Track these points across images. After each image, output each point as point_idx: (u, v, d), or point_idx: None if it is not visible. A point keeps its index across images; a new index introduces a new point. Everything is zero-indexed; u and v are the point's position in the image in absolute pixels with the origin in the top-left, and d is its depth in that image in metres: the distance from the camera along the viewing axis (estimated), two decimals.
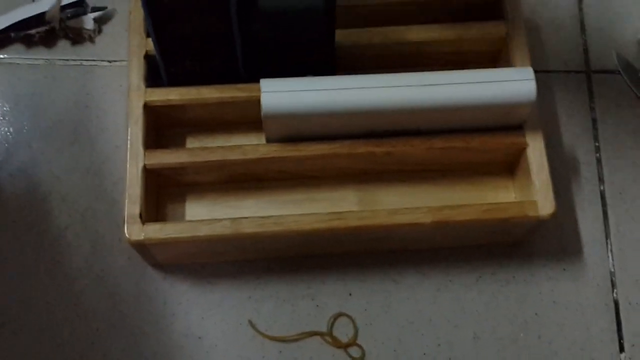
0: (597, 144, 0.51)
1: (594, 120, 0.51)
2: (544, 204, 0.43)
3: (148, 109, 0.45)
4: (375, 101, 0.42)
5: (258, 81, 0.43)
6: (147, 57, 0.46)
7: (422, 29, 0.47)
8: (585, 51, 0.54)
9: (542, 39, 0.54)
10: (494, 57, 0.49)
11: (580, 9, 0.55)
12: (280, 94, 0.42)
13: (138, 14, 0.47)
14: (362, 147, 0.44)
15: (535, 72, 0.46)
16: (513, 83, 0.42)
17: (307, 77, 0.43)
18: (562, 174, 0.49)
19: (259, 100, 0.42)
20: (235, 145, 0.44)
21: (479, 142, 0.44)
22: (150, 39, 0.46)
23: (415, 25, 0.47)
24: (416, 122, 0.43)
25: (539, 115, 0.45)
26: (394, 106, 0.42)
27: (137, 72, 0.46)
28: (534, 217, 0.42)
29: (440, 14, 0.48)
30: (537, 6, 0.54)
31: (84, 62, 0.53)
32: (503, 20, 0.47)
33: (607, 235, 0.48)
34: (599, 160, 0.50)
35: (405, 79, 0.42)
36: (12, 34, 0.52)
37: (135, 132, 0.44)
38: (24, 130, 0.51)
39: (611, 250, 0.47)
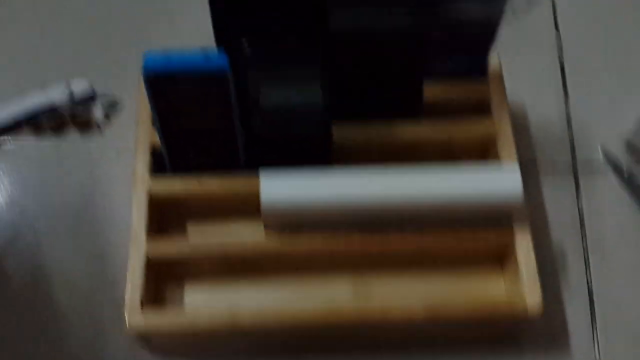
0: (584, 237, 0.52)
1: (581, 215, 0.53)
2: (532, 299, 0.44)
3: (152, 197, 0.47)
4: (369, 197, 0.44)
5: (258, 172, 0.45)
6: (153, 148, 0.49)
7: (415, 126, 0.49)
8: (572, 147, 0.56)
9: (530, 134, 0.56)
10: (483, 151, 0.51)
11: (567, 106, 0.57)
12: (278, 188, 0.44)
13: (145, 108, 0.50)
14: (357, 240, 0.46)
15: (524, 165, 0.48)
16: (500, 185, 0.44)
17: (305, 170, 0.45)
18: (551, 268, 0.51)
19: (258, 191, 0.44)
20: (236, 241, 0.46)
21: (469, 237, 0.46)
22: (156, 131, 0.48)
23: (409, 122, 0.49)
24: (408, 216, 0.45)
25: (526, 212, 0.47)
26: (386, 201, 0.44)
27: (142, 161, 0.48)
28: (522, 312, 0.44)
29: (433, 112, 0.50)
30: (527, 102, 0.57)
31: (92, 150, 0.55)
32: (491, 118, 0.50)
33: (594, 330, 0.49)
34: (585, 253, 0.52)
35: (397, 176, 0.44)
36: (23, 121, 0.55)
37: (138, 220, 0.46)
38: (31, 214, 0.53)
39: (598, 345, 0.49)
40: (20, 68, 0.58)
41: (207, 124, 0.45)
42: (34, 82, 0.56)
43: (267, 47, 0.42)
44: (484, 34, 0.48)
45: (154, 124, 0.49)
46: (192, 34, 0.57)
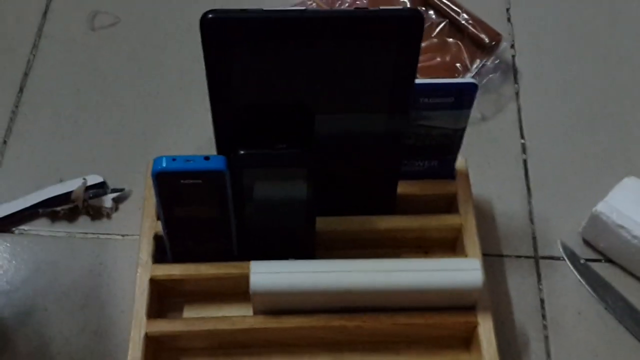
0: (544, 322, 0.58)
1: (542, 301, 0.59)
2: None
3: (153, 282, 0.53)
4: (348, 284, 0.50)
5: (249, 260, 0.51)
6: (156, 237, 0.55)
7: (391, 219, 0.55)
8: (534, 239, 0.62)
9: (496, 227, 0.62)
10: (452, 244, 0.57)
11: (529, 203, 0.64)
12: (266, 275, 0.50)
13: (151, 200, 0.56)
14: (336, 321, 0.51)
15: (489, 256, 0.54)
16: (462, 272, 0.50)
17: (291, 260, 0.51)
18: (514, 349, 0.56)
19: (248, 276, 0.50)
20: (225, 317, 0.51)
21: (437, 320, 0.51)
22: (159, 222, 0.54)
23: (386, 216, 0.56)
24: (382, 301, 0.51)
25: (488, 297, 0.52)
26: (363, 288, 0.50)
27: (146, 249, 0.54)
28: None
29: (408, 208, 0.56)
30: (493, 198, 0.63)
31: (100, 236, 0.61)
32: (458, 214, 0.56)
33: None
34: (546, 337, 0.57)
35: (372, 265, 0.50)
36: (40, 210, 0.61)
37: (140, 302, 0.52)
38: (42, 294, 0.58)
39: None
40: (42, 168, 0.64)
41: (205, 217, 0.51)
42: (53, 180, 0.63)
43: (260, 152, 0.48)
44: (451, 140, 0.54)
45: (158, 216, 0.55)
46: (196, 139, 0.65)
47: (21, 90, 0.69)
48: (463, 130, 0.54)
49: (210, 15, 0.42)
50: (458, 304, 0.51)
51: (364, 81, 0.48)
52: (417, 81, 0.48)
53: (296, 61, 0.46)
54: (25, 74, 0.70)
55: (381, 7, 0.43)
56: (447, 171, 0.57)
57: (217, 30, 0.43)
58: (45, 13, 0.74)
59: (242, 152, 0.48)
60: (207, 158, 0.48)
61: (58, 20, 0.73)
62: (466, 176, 0.58)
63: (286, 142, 0.48)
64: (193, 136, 0.66)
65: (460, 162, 0.58)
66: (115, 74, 0.70)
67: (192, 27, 0.71)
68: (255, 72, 0.46)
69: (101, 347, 0.55)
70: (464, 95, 0.50)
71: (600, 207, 0.58)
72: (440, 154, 0.56)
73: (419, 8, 0.69)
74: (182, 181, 0.48)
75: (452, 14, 0.70)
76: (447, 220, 0.56)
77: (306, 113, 0.49)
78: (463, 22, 0.70)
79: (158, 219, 0.55)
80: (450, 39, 0.70)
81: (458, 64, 0.68)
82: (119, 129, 0.67)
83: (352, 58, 0.47)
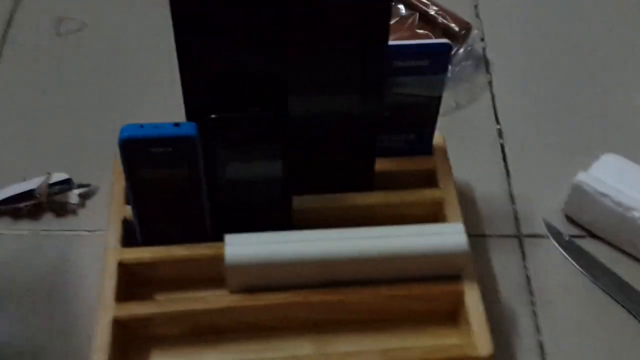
0: (532, 298, 0.56)
1: (528, 278, 0.57)
2: (483, 345, 0.47)
3: (122, 266, 0.50)
4: (327, 252, 0.47)
5: (223, 240, 0.49)
6: (125, 222, 0.52)
7: (368, 196, 0.54)
8: (516, 219, 0.60)
9: (477, 209, 0.61)
10: (434, 218, 0.55)
11: (509, 184, 0.63)
12: (241, 247, 0.47)
13: (119, 186, 0.54)
14: (316, 296, 0.49)
15: (472, 236, 0.52)
16: (446, 236, 0.48)
17: (266, 233, 0.49)
18: (502, 327, 0.54)
19: (223, 256, 0.47)
20: (200, 296, 0.48)
21: (421, 290, 0.49)
22: (128, 207, 0.52)
23: (364, 193, 0.54)
24: (364, 272, 0.49)
25: (473, 266, 0.50)
26: (343, 257, 0.47)
27: (114, 234, 0.51)
28: (474, 358, 0.46)
29: (386, 186, 0.55)
30: (472, 181, 0.62)
31: (66, 232, 0.58)
32: (438, 188, 0.55)
33: None
34: (534, 313, 0.55)
35: (352, 234, 0.48)
36: (2, 208, 0.58)
37: (108, 287, 0.49)
38: (3, 293, 0.54)
39: None
40: (5, 169, 0.61)
41: (176, 190, 0.48)
42: (16, 177, 0.60)
43: (233, 123, 0.47)
44: (428, 110, 0.53)
45: (126, 201, 0.53)
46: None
47: None
48: (439, 99, 0.53)
49: None
50: (443, 272, 0.49)
51: (335, 59, 0.48)
52: (390, 43, 0.47)
53: (268, 23, 0.45)
54: None
55: None
56: (425, 146, 0.56)
57: None
58: (9, 21, 0.73)
59: (212, 116, 0.46)
60: (176, 125, 0.46)
61: (23, 26, 0.72)
62: (444, 151, 0.57)
63: (260, 116, 0.47)
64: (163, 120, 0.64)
65: (437, 138, 0.57)
66: (81, 76, 0.69)
67: (159, 30, 0.71)
68: (224, 35, 0.45)
69: (66, 345, 0.52)
70: (439, 57, 0.49)
71: (582, 177, 0.57)
72: (417, 126, 0.54)
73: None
74: (151, 149, 0.46)
75: (422, 6, 0.71)
76: (427, 194, 0.54)
77: (278, 81, 0.48)
78: (433, 13, 0.70)
79: (127, 204, 0.53)
80: (421, 31, 0.70)
81: None
82: (85, 129, 0.65)
83: (323, 28, 0.46)
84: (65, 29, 0.72)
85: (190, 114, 0.48)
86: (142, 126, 0.46)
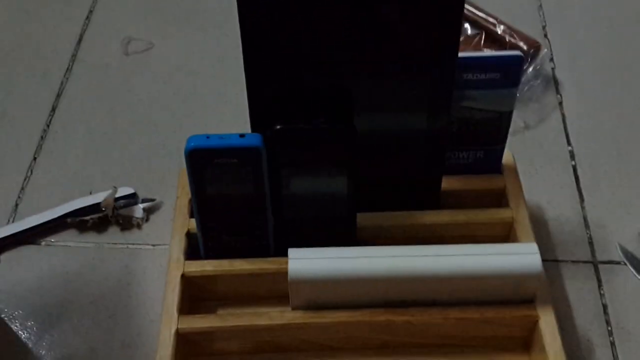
0: (609, 328, 0.53)
1: (605, 306, 0.54)
2: None
3: (185, 279, 0.49)
4: (394, 269, 0.46)
5: (286, 256, 0.48)
6: (188, 235, 0.52)
7: (435, 214, 0.52)
8: (591, 244, 0.58)
9: (549, 232, 0.58)
10: (503, 240, 0.53)
11: (583, 208, 0.60)
12: (306, 261, 0.46)
13: (184, 199, 0.53)
14: (382, 316, 0.47)
15: (545, 261, 0.50)
16: (519, 256, 0.46)
17: (331, 248, 0.47)
18: (578, 356, 0.51)
19: (286, 273, 0.46)
20: (262, 311, 0.47)
21: (493, 313, 0.47)
22: (192, 220, 0.52)
23: (431, 211, 0.52)
24: (432, 292, 0.47)
25: (548, 290, 0.48)
26: (411, 274, 0.46)
27: (178, 247, 0.51)
28: None
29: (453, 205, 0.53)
30: (542, 204, 0.60)
31: (130, 246, 0.58)
32: (508, 208, 0.52)
33: None
34: (612, 343, 0.52)
35: (421, 251, 0.46)
36: (69, 220, 0.59)
37: (171, 299, 0.48)
38: (67, 305, 0.55)
39: None
40: (72, 183, 0.62)
41: (240, 203, 0.48)
42: (83, 191, 0.61)
43: (299, 134, 0.46)
44: (497, 126, 0.52)
45: (190, 214, 0.53)
46: None
47: (53, 109, 0.68)
48: (510, 114, 0.51)
49: None
50: (515, 295, 0.47)
51: (403, 76, 0.47)
52: (460, 54, 0.46)
53: (337, 37, 0.45)
54: (58, 95, 0.69)
55: None
56: (494, 164, 0.54)
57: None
58: (80, 40, 0.74)
59: (278, 126, 0.45)
60: (242, 135, 0.46)
61: (92, 45, 0.74)
62: (514, 170, 0.55)
63: (324, 119, 0.46)
64: None
65: (507, 156, 0.55)
66: (149, 95, 0.70)
67: (224, 48, 0.72)
68: (292, 45, 0.45)
69: (129, 358, 0.51)
70: (510, 70, 0.48)
71: None
72: (486, 143, 0.53)
73: None
74: (216, 160, 0.46)
75: (489, 25, 0.69)
76: (497, 213, 0.52)
77: (344, 93, 0.47)
78: (500, 32, 0.68)
79: (191, 217, 0.52)
80: (487, 49, 0.68)
81: None
82: (152, 146, 0.65)
83: (392, 45, 0.45)
84: (133, 48, 0.74)
85: (255, 125, 0.48)
86: (208, 137, 0.46)
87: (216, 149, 0.45)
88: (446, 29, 0.45)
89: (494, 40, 0.69)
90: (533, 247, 0.46)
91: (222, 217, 0.49)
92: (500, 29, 0.69)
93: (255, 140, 0.45)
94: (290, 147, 0.46)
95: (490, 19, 0.70)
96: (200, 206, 0.48)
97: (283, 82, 0.47)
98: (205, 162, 0.46)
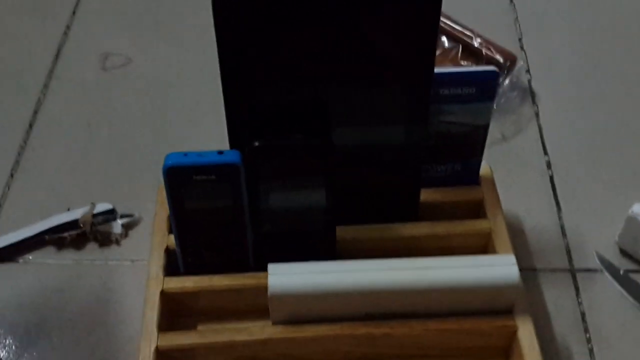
0: (588, 335, 0.53)
1: (583, 314, 0.54)
2: None
3: (164, 295, 0.49)
4: (373, 282, 0.46)
5: (266, 271, 0.48)
6: (167, 251, 0.52)
7: (413, 226, 0.52)
8: (568, 252, 0.58)
9: (527, 241, 0.59)
10: (482, 251, 0.53)
11: (560, 217, 0.61)
12: (285, 276, 0.46)
13: (162, 215, 0.53)
14: (362, 329, 0.47)
15: (522, 270, 0.50)
16: (497, 267, 0.46)
17: (311, 262, 0.47)
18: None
19: (266, 288, 0.46)
20: (242, 327, 0.47)
21: (471, 324, 0.47)
22: (171, 236, 0.51)
23: (409, 223, 0.52)
24: (412, 304, 0.47)
25: (526, 300, 0.48)
26: (390, 288, 0.46)
27: (156, 263, 0.51)
28: None
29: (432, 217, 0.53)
30: (520, 213, 0.60)
31: (109, 262, 0.58)
32: (486, 219, 0.53)
33: None
34: (591, 350, 0.52)
35: (399, 264, 0.47)
36: (47, 237, 0.58)
37: (150, 316, 0.48)
38: (47, 323, 0.54)
39: None
40: (49, 199, 0.62)
41: (219, 219, 0.48)
42: (60, 207, 0.60)
43: (277, 150, 0.46)
44: (474, 139, 0.52)
45: (169, 230, 0.52)
46: None
47: (30, 126, 0.68)
48: (486, 128, 0.52)
49: None
50: (494, 306, 0.47)
51: (380, 89, 0.47)
52: (436, 70, 0.47)
53: (312, 48, 0.45)
54: (35, 112, 0.69)
55: None
56: (471, 176, 0.55)
57: (230, 9, 0.42)
58: (57, 55, 0.74)
59: (256, 143, 0.45)
60: (220, 152, 0.46)
61: (70, 61, 0.74)
62: (492, 181, 0.55)
63: (304, 144, 0.46)
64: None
65: (484, 168, 0.55)
66: (126, 109, 0.69)
67: (203, 64, 0.72)
68: (269, 60, 0.45)
69: None
70: (486, 85, 0.48)
71: (637, 209, 0.54)
72: (463, 156, 0.53)
73: None
74: (194, 177, 0.46)
75: (465, 38, 0.70)
76: (475, 225, 0.53)
77: (322, 107, 0.47)
78: (476, 45, 0.69)
79: (170, 233, 0.52)
80: (465, 62, 0.69)
81: None
82: (129, 160, 0.65)
83: (367, 58, 0.46)
84: (111, 63, 0.73)
85: (234, 141, 0.48)
86: (186, 154, 0.46)
87: (194, 167, 0.45)
88: (422, 43, 0.45)
89: (471, 53, 0.70)
90: (510, 258, 0.47)
91: (201, 233, 0.49)
92: (476, 42, 0.70)
93: (234, 156, 0.45)
94: (268, 163, 0.46)
95: (467, 32, 0.70)
96: (178, 222, 0.48)
97: (260, 97, 0.47)
98: (183, 179, 0.46)
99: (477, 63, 0.69)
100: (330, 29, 0.45)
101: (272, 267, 0.47)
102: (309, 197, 0.48)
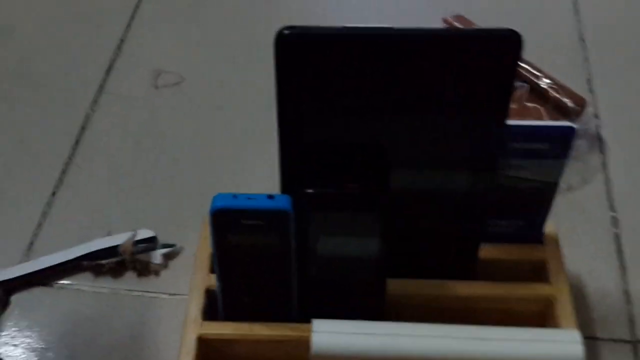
0: None
1: None
2: None
3: (201, 341, 0.47)
4: (424, 350, 0.43)
5: (309, 322, 0.45)
6: (208, 292, 0.49)
7: (470, 285, 0.49)
8: (631, 321, 0.54)
9: (588, 306, 0.55)
10: (541, 317, 0.50)
11: (624, 281, 0.56)
12: (330, 335, 0.43)
13: (204, 252, 0.51)
14: None
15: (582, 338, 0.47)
16: (559, 344, 0.43)
17: (357, 322, 0.44)
18: None
19: (307, 341, 0.44)
20: None
21: None
22: (212, 276, 0.49)
23: (465, 282, 0.49)
24: None
25: None
26: (442, 357, 0.43)
27: (196, 304, 0.48)
28: None
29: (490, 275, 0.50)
30: (583, 274, 0.57)
31: (146, 294, 0.56)
32: (549, 284, 0.49)
33: None
34: None
35: (453, 332, 0.43)
36: (85, 263, 0.57)
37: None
38: (78, 355, 0.52)
39: None
40: (90, 221, 0.60)
41: (264, 267, 0.45)
42: (101, 234, 0.58)
43: (329, 199, 0.43)
44: (542, 197, 0.48)
45: (211, 270, 0.50)
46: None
47: (77, 142, 0.66)
48: (556, 185, 0.48)
49: (286, 32, 0.39)
50: None
51: (448, 131, 0.44)
52: (509, 122, 0.43)
53: (377, 93, 0.42)
54: (83, 128, 0.68)
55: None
56: (535, 234, 0.51)
57: (293, 49, 0.39)
58: (108, 70, 0.73)
59: (309, 190, 0.43)
60: (270, 197, 0.43)
61: (121, 77, 0.72)
62: (556, 241, 0.51)
63: (358, 183, 0.43)
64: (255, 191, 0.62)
65: (549, 226, 0.51)
66: (176, 131, 0.68)
67: (257, 89, 0.70)
68: (330, 101, 0.42)
69: None
70: (561, 141, 0.45)
71: None
72: (528, 213, 0.50)
73: None
74: (242, 221, 0.43)
75: (532, 78, 0.66)
76: (537, 289, 0.49)
77: (381, 153, 0.44)
78: (544, 86, 0.65)
79: (211, 272, 0.50)
80: (530, 104, 0.65)
81: None
82: (175, 186, 0.63)
83: (437, 98, 0.43)
84: (163, 81, 0.72)
85: (285, 186, 0.45)
86: (235, 196, 0.43)
87: (243, 211, 0.43)
88: (498, 88, 0.42)
89: (537, 95, 0.66)
90: (575, 335, 0.43)
91: (244, 278, 0.46)
92: (543, 83, 0.66)
93: (284, 203, 0.43)
94: (320, 211, 0.43)
95: (534, 71, 0.67)
96: (222, 266, 0.46)
97: (317, 139, 0.44)
98: (230, 222, 0.43)
99: (543, 105, 0.65)
100: (397, 70, 0.42)
101: (316, 324, 0.44)
102: (360, 247, 0.45)
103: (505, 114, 0.43)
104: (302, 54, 0.40)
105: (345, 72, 0.41)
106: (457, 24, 0.74)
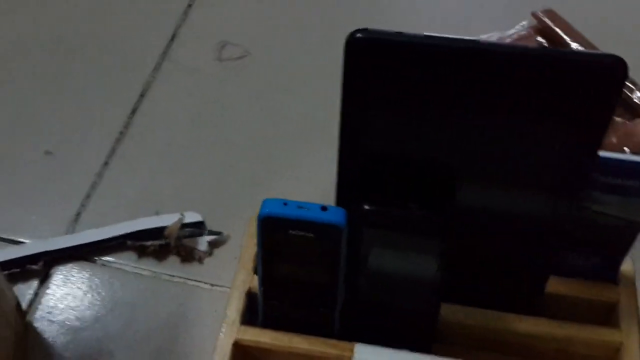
0: None
1: None
2: None
3: (237, 347, 0.44)
4: None
5: (350, 339, 0.42)
6: (249, 294, 0.46)
7: (531, 322, 0.45)
8: None
9: None
10: None
11: None
12: None
13: (249, 250, 0.48)
14: None
15: None
16: None
17: (404, 351, 0.41)
18: None
19: (349, 358, 0.41)
20: None
21: None
22: (255, 277, 0.46)
23: (527, 317, 0.45)
24: None
25: None
26: None
27: (235, 306, 0.46)
28: None
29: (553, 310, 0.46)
30: None
31: (188, 281, 0.54)
32: (618, 329, 0.45)
33: None
34: None
35: None
36: (129, 242, 0.55)
37: None
38: (112, 338, 0.51)
39: None
40: (139, 197, 0.58)
41: (310, 278, 0.42)
42: (148, 212, 0.57)
43: (387, 218, 0.40)
44: (622, 236, 0.44)
45: (255, 270, 0.47)
46: (308, 193, 0.56)
47: (134, 112, 0.64)
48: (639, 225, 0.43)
49: (359, 35, 0.35)
50: None
51: (530, 153, 0.39)
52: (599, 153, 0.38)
53: (451, 106, 0.38)
54: (142, 95, 0.65)
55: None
56: (609, 273, 0.46)
57: (364, 54, 0.35)
58: (173, 37, 0.70)
59: (366, 207, 0.39)
60: (324, 208, 0.40)
61: (185, 45, 0.69)
62: (632, 282, 0.47)
63: (419, 203, 0.40)
64: (306, 190, 0.58)
65: (625, 265, 0.47)
66: (234, 110, 0.65)
67: (321, 72, 0.66)
68: (398, 113, 0.38)
69: None
70: None
71: None
72: (605, 250, 0.45)
73: None
74: (290, 231, 0.40)
75: (625, 90, 0.60)
76: (604, 334, 0.45)
77: (448, 173, 0.40)
78: (636, 100, 0.60)
79: (255, 272, 0.47)
80: (618, 119, 0.60)
81: (626, 147, 0.58)
82: (228, 170, 0.60)
83: (522, 115, 0.38)
84: (227, 54, 0.69)
85: (341, 197, 0.42)
86: (285, 203, 0.40)
87: (293, 220, 0.39)
88: (594, 119, 0.37)
89: (627, 108, 0.60)
90: None
91: (288, 288, 0.43)
92: (636, 96, 0.60)
93: (338, 217, 0.39)
94: (377, 230, 0.40)
95: (628, 84, 0.61)
96: (265, 273, 0.43)
97: (380, 152, 0.40)
98: (278, 231, 0.40)
99: (633, 120, 0.60)
100: (480, 86, 0.37)
101: (359, 349, 0.41)
102: (415, 270, 0.42)
103: (598, 143, 0.38)
104: (374, 60, 0.36)
105: (420, 83, 0.37)
106: (546, 20, 0.68)
